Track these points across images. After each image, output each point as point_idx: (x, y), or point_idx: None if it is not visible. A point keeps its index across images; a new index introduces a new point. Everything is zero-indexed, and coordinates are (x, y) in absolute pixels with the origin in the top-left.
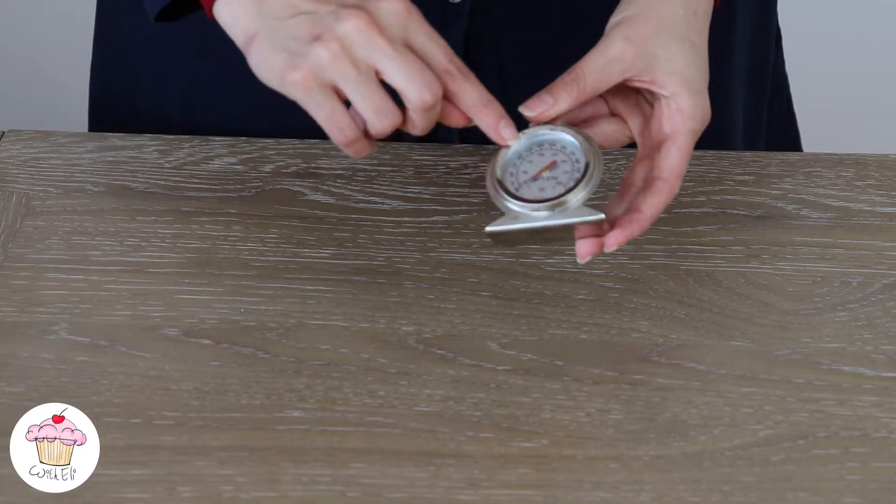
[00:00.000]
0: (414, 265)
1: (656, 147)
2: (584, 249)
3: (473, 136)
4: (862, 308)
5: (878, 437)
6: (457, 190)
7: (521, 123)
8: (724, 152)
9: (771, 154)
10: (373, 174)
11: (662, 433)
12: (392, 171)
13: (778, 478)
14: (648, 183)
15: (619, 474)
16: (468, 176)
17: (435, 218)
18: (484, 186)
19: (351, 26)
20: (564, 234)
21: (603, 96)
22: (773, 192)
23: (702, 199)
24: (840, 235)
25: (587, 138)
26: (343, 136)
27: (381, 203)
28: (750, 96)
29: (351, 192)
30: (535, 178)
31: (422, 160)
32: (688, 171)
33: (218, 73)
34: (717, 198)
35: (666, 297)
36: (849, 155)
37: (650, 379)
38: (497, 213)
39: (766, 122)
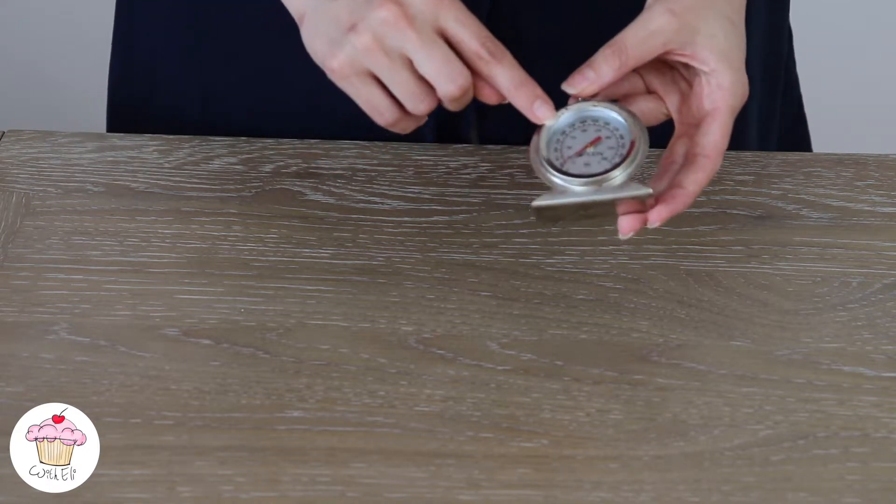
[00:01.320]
0: (414, 265)
1: (696, 124)
2: (626, 225)
3: (494, 136)
4: (862, 308)
5: (878, 437)
6: (457, 190)
7: (558, 103)
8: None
9: (771, 154)
10: (373, 174)
11: (662, 433)
12: (392, 171)
13: (778, 478)
14: (690, 159)
15: (619, 474)
16: (468, 176)
17: (435, 218)
18: (484, 186)
19: (382, 17)
20: (608, 210)
21: (639, 73)
22: (773, 192)
23: (702, 199)
24: (840, 235)
25: (631, 114)
26: (383, 119)
27: (381, 203)
28: (765, 90)
29: (351, 192)
30: (579, 154)
31: (422, 160)
32: None
33: (237, 72)
34: (717, 198)
35: (666, 297)
36: (849, 155)
37: (650, 379)
38: (542, 189)
39: (777, 120)
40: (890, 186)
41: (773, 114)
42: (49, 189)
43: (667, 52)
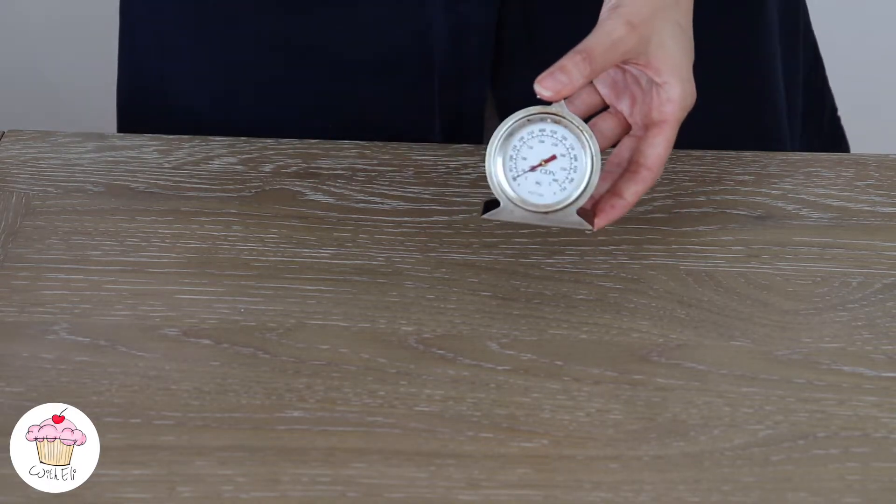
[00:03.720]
0: (414, 265)
1: (642, 128)
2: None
3: (458, 136)
4: (862, 308)
5: (878, 437)
6: (457, 190)
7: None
8: (724, 152)
9: (771, 154)
10: (373, 174)
11: (662, 433)
12: (392, 171)
13: (778, 478)
14: (633, 169)
15: (619, 474)
16: (468, 176)
17: (435, 218)
18: (484, 186)
19: None
20: None
21: (593, 84)
22: (773, 192)
23: (702, 199)
24: (840, 235)
25: (590, 138)
26: None
27: (381, 203)
28: (784, 31)
29: (351, 192)
30: (533, 169)
31: (422, 160)
32: (688, 171)
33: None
34: (717, 198)
35: (666, 297)
36: (849, 155)
37: (650, 379)
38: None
39: (800, 57)
40: (890, 186)
41: (796, 51)
42: (49, 189)
43: (624, 62)
